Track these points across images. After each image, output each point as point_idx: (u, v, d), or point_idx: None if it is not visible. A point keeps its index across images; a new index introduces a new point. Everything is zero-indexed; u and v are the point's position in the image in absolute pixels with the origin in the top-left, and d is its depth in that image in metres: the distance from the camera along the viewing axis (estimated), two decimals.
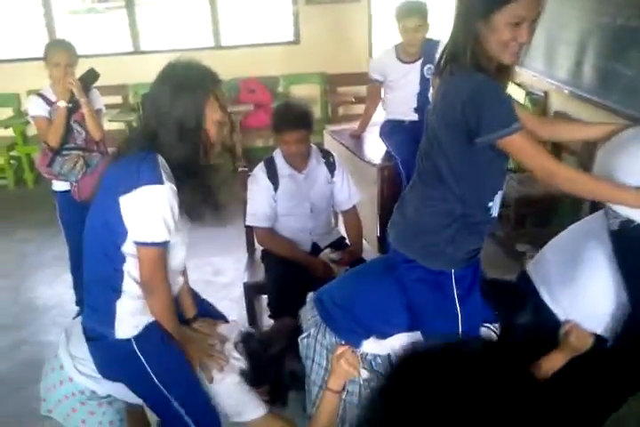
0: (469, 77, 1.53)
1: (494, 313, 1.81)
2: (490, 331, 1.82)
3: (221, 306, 2.21)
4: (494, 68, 1.58)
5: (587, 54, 3.81)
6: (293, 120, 2.60)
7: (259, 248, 2.94)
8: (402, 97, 3.47)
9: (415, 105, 3.45)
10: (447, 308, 1.72)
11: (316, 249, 2.84)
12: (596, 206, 1.91)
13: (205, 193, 1.68)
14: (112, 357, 1.72)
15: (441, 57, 1.64)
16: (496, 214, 1.72)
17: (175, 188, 1.60)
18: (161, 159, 1.60)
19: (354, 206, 2.88)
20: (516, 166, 3.69)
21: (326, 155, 2.81)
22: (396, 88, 3.48)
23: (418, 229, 1.72)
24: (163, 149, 1.60)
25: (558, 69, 4.18)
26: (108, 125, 5.50)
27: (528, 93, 4.49)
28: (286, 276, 2.58)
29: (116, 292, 1.67)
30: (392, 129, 3.55)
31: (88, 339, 1.72)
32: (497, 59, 1.57)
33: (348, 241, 2.91)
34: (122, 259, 1.65)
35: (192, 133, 1.60)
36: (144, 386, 1.73)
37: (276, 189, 2.71)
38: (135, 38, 5.74)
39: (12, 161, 5.45)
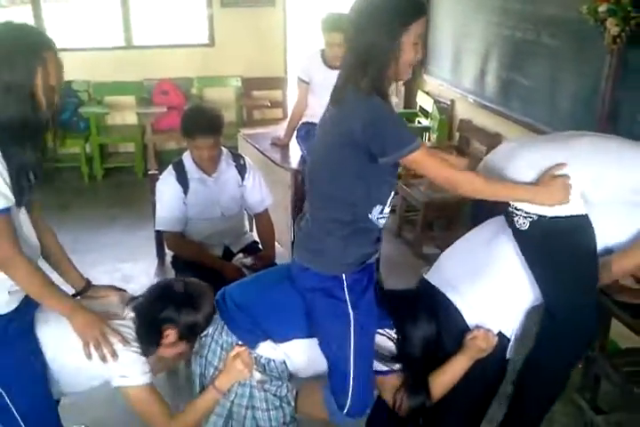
0: (367, 101, 1.58)
1: (391, 320, 1.85)
2: (385, 337, 1.85)
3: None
4: (387, 89, 1.64)
5: (489, 65, 4.02)
6: (205, 126, 2.58)
7: (169, 253, 2.88)
8: (324, 101, 3.46)
9: None
10: (340, 313, 1.74)
11: (228, 254, 2.82)
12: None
13: (27, 162, 1.59)
14: None
15: (339, 82, 1.67)
16: (381, 224, 1.77)
17: None
18: None
19: (266, 210, 2.88)
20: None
21: (237, 158, 2.80)
22: (319, 92, 3.46)
23: (309, 236, 1.77)
24: None
25: (464, 79, 4.38)
26: None
27: (436, 102, 4.67)
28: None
29: None
30: (309, 132, 3.55)
31: None
32: (396, 79, 1.64)
33: (260, 245, 2.91)
34: None
35: (19, 97, 1.53)
36: None
37: (185, 192, 2.68)
38: None
39: None
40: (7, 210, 1.54)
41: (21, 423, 1.68)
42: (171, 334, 1.76)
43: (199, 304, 1.78)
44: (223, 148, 2.75)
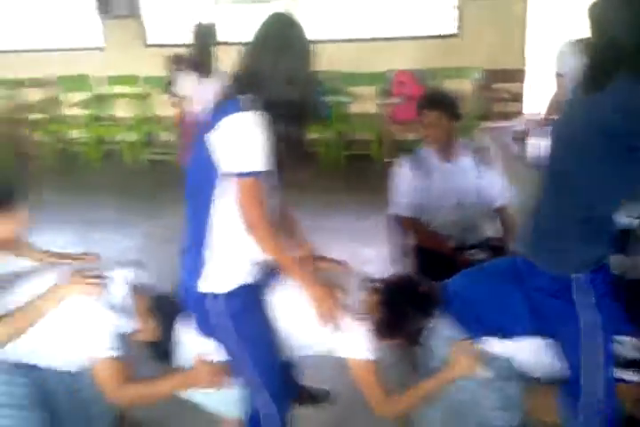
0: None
1: (632, 325, 1.72)
2: (627, 343, 1.73)
3: None
4: None
5: None
6: (432, 101, 2.65)
7: (405, 239, 2.95)
8: None
9: None
10: (568, 315, 1.66)
11: (461, 246, 2.80)
12: None
13: (296, 136, 1.68)
14: (197, 310, 1.78)
15: (600, 61, 1.55)
16: (621, 224, 1.66)
17: (264, 116, 1.61)
18: (244, 97, 1.62)
19: (506, 206, 2.81)
20: None
21: (477, 148, 2.79)
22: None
23: (546, 234, 1.69)
24: (268, 87, 1.63)
25: None
26: None
27: None
28: (430, 269, 2.58)
29: (207, 247, 1.70)
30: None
31: (187, 293, 1.78)
32: None
33: (498, 241, 2.83)
34: (209, 215, 1.68)
35: (304, 71, 1.66)
36: (224, 343, 1.79)
37: (421, 179, 2.72)
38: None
39: None
40: (260, 174, 1.62)
41: (255, 376, 1.80)
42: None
43: None
44: (463, 139, 2.76)
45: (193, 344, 1.85)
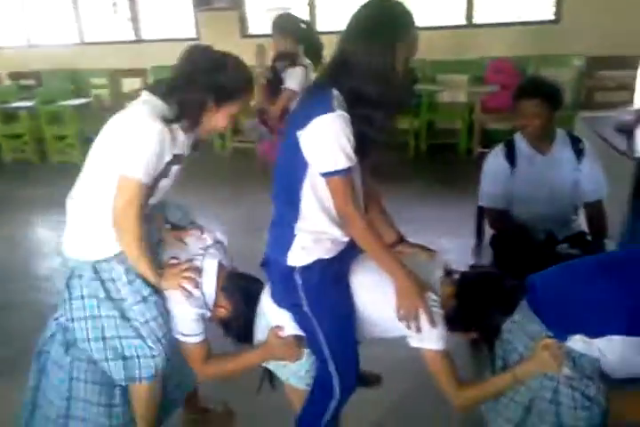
0: None
1: None
2: None
3: None
4: None
5: None
6: (531, 88, 2.52)
7: (489, 232, 2.83)
8: None
9: None
10: None
11: (551, 240, 2.64)
12: None
13: (379, 130, 1.68)
14: (279, 282, 1.84)
15: None
16: None
17: (349, 115, 1.62)
18: (336, 93, 1.63)
19: (599, 201, 2.65)
20: None
21: (575, 140, 2.63)
22: None
23: None
24: (353, 80, 1.63)
25: None
26: None
27: None
28: (515, 263, 2.44)
29: (291, 227, 1.76)
30: None
31: (265, 264, 1.87)
32: None
33: (589, 237, 2.67)
34: (299, 196, 1.73)
35: (388, 65, 1.62)
36: (299, 316, 1.83)
37: (512, 170, 2.61)
38: None
39: None
40: (349, 170, 1.66)
41: (326, 352, 1.83)
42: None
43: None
44: (561, 129, 2.61)
45: (271, 317, 1.91)
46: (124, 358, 1.85)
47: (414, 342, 1.79)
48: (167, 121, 1.73)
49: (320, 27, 6.07)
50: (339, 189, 1.67)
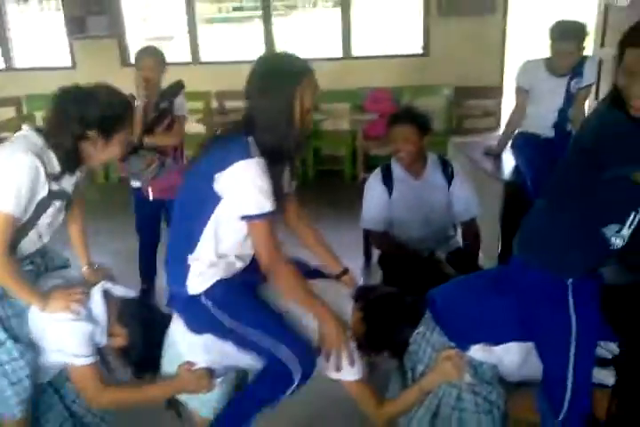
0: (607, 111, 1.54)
1: (613, 331, 1.74)
2: (603, 350, 1.75)
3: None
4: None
5: None
6: (403, 115, 2.69)
7: (376, 252, 2.95)
8: (544, 111, 3.33)
9: (554, 121, 3.33)
10: (561, 319, 1.69)
11: (432, 257, 2.79)
12: None
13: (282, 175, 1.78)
14: (189, 312, 1.84)
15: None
16: (616, 245, 1.66)
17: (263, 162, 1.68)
18: (251, 139, 1.70)
19: (473, 219, 2.84)
20: None
21: (446, 164, 2.81)
22: (540, 102, 3.34)
23: (539, 233, 1.75)
24: (256, 132, 1.70)
25: None
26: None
27: None
28: (403, 281, 2.57)
29: (185, 259, 1.79)
30: (526, 142, 3.42)
31: (172, 300, 1.88)
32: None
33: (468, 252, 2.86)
34: (200, 231, 1.75)
35: (283, 119, 1.69)
36: (224, 332, 1.82)
37: (390, 193, 2.74)
38: (269, 45, 5.98)
39: None
40: (271, 213, 1.70)
41: (268, 343, 1.78)
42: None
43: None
44: (431, 153, 2.78)
45: (183, 348, 1.89)
46: None
47: (333, 374, 1.84)
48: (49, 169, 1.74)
49: (203, 57, 6.13)
50: (261, 233, 1.70)
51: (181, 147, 3.37)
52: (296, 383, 1.78)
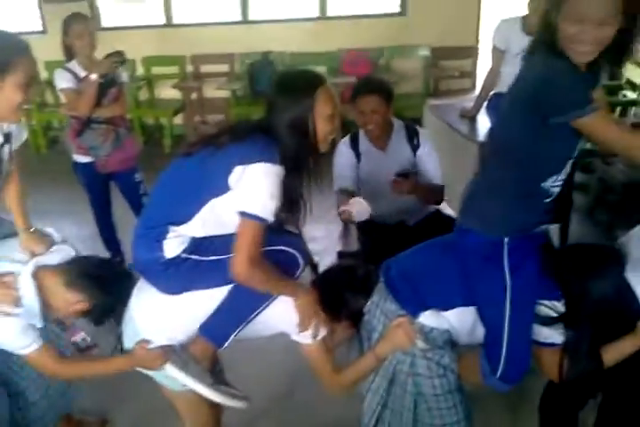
0: (548, 60, 1.56)
1: (558, 290, 1.75)
2: (548, 309, 1.76)
3: None
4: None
5: None
6: (368, 85, 2.63)
7: None
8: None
9: None
10: (496, 278, 1.73)
11: (402, 227, 2.82)
12: None
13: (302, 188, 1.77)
14: (161, 274, 1.80)
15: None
16: (552, 195, 1.70)
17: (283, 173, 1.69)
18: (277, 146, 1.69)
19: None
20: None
21: (411, 133, 2.75)
22: (516, 61, 3.30)
23: (476, 197, 1.77)
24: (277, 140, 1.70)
25: None
26: (213, 93, 5.74)
27: None
28: (381, 243, 2.61)
29: (166, 227, 1.75)
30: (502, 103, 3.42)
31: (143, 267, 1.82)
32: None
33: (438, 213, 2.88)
34: (195, 210, 1.72)
35: (301, 131, 1.69)
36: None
37: (358, 161, 2.74)
38: (244, 8, 5.87)
39: None
40: (267, 222, 1.68)
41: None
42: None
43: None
44: (398, 120, 2.74)
45: (140, 325, 1.85)
46: None
47: (296, 337, 1.86)
48: None
49: (177, 19, 6.01)
50: (249, 233, 1.68)
51: (125, 118, 3.33)
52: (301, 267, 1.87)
